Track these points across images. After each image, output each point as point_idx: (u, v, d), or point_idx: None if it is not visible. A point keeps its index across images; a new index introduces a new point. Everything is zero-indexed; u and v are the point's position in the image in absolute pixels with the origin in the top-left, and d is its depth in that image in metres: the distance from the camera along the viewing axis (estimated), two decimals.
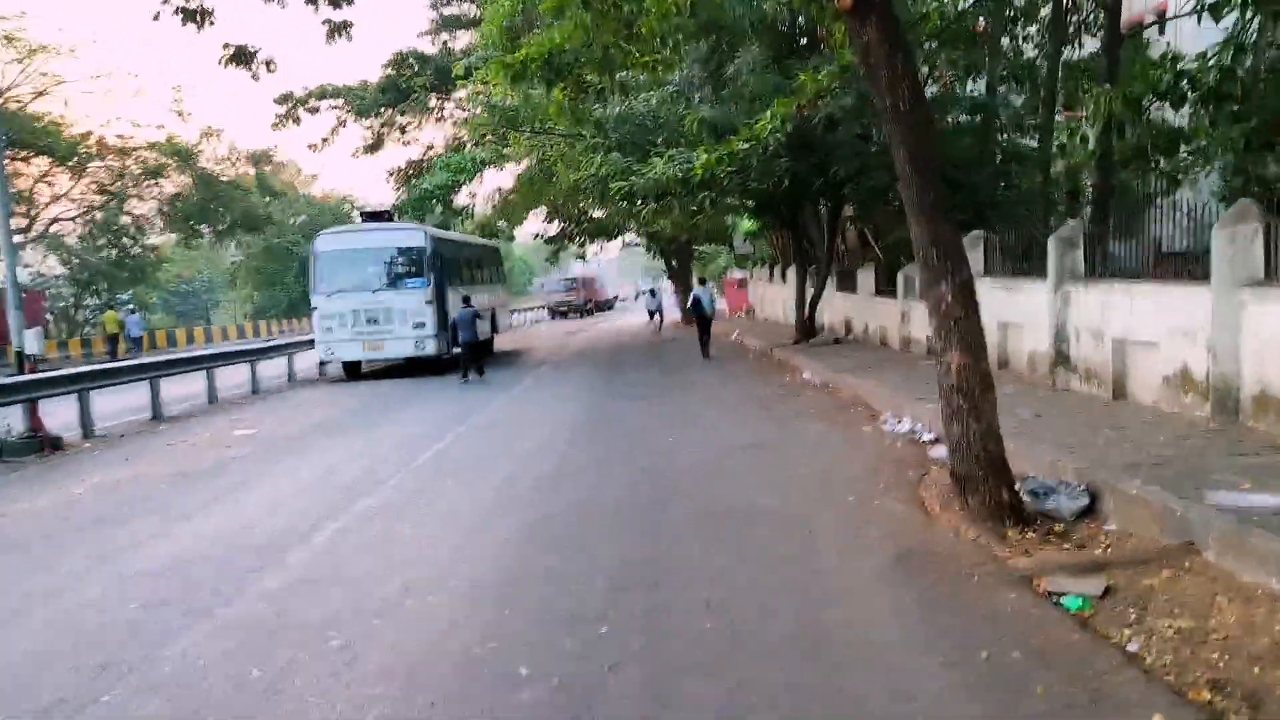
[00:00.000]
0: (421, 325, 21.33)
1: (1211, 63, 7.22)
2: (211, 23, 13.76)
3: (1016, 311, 12.49)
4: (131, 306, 41.99)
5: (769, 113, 12.53)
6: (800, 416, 12.08)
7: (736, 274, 49.23)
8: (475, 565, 6.42)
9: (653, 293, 37.21)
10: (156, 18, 12.86)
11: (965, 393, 6.36)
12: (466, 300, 20.96)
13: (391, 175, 37.97)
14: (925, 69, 14.33)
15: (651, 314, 33.09)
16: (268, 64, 14.21)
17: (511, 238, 49.71)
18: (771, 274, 33.84)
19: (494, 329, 27.90)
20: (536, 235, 46.42)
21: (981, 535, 6.15)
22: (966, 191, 18.77)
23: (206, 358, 18.59)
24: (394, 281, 21.49)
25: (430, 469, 10.08)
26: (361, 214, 23.68)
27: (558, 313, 55.23)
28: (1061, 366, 11.24)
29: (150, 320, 48.85)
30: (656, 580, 5.90)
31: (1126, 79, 8.49)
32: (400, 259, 21.71)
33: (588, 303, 57.46)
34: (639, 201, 16.38)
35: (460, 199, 37.85)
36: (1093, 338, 10.52)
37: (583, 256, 53.31)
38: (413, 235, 21.98)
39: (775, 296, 32.84)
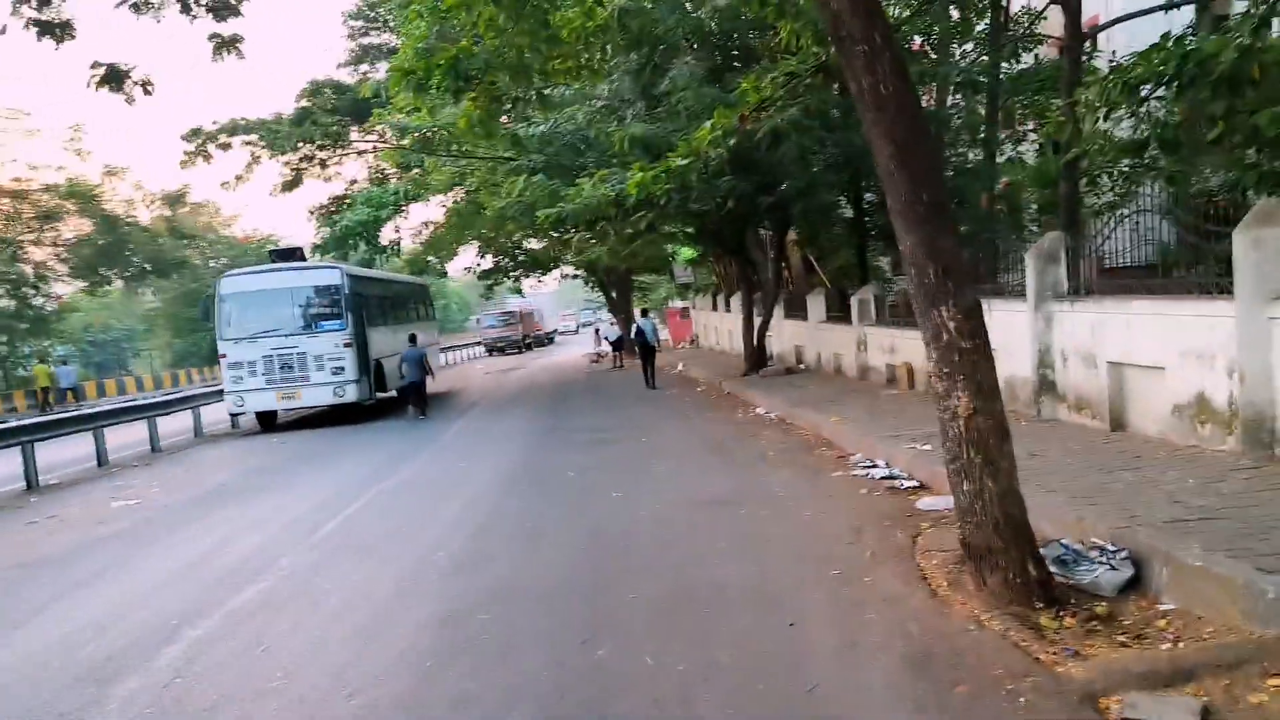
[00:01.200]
0: (340, 370, 19.69)
1: (1235, 41, 6.15)
2: (72, 36, 12.15)
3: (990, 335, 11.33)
4: (64, 358, 39.75)
5: (709, 124, 11.30)
6: (762, 461, 10.71)
7: (678, 303, 48.18)
8: (357, 693, 4.89)
9: (596, 330, 35.17)
10: (3, 31, 11.22)
11: (978, 444, 5.05)
12: (413, 339, 21.23)
13: (313, 213, 36.24)
14: None
15: (614, 346, 30.88)
16: (144, 85, 12.60)
17: (443, 274, 48.01)
18: (715, 302, 32.73)
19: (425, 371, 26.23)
20: (468, 269, 44.84)
21: (1011, 627, 4.81)
22: None
23: (91, 416, 16.62)
24: (308, 324, 19.83)
25: (332, 544, 8.48)
26: (270, 253, 21.95)
27: (495, 349, 53.42)
28: (1047, 395, 10.09)
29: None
30: (595, 707, 4.46)
31: (1119, 70, 7.44)
32: (314, 300, 20.07)
33: (526, 337, 55.73)
34: (570, 229, 15.03)
35: (387, 235, 36.30)
36: (1083, 362, 9.38)
37: (518, 290, 51.76)
38: (327, 274, 20.37)
39: (719, 325, 31.72)
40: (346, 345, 19.77)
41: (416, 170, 29.51)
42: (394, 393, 24.39)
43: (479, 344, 55.44)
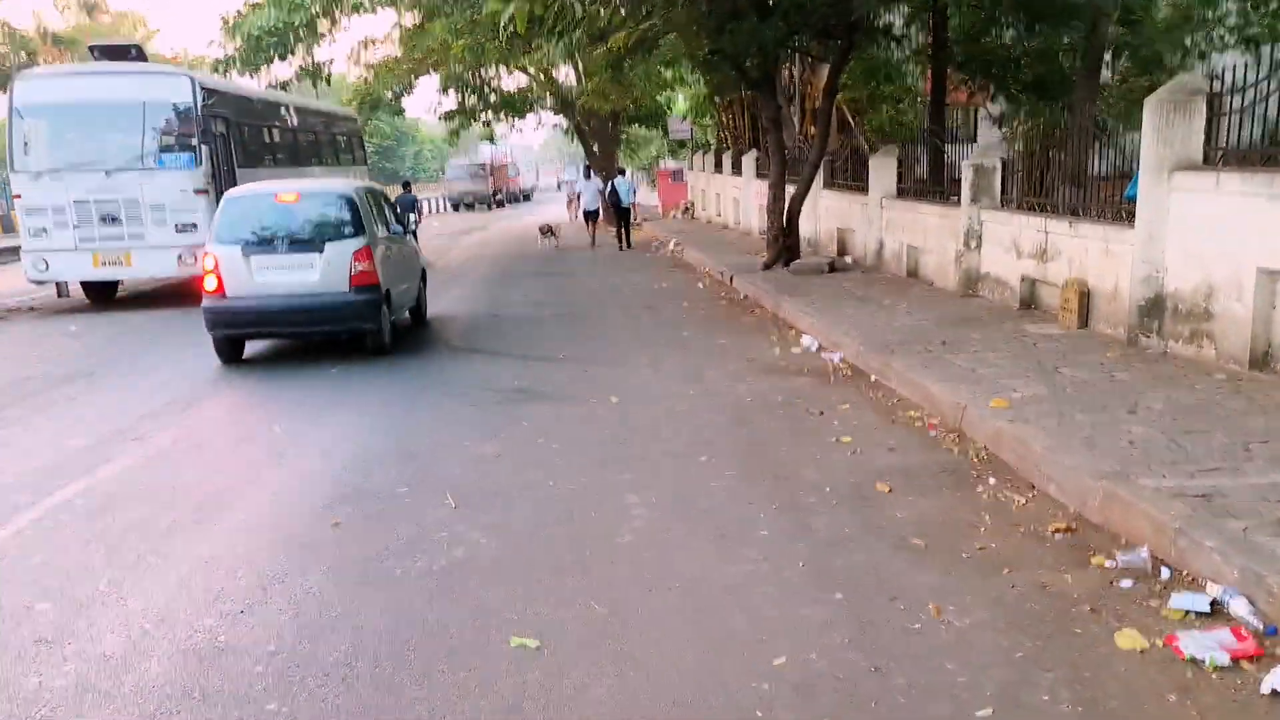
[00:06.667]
0: (189, 228, 13.53)
1: None
2: None
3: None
4: None
5: None
6: (878, 523, 4.78)
7: (670, 164, 41.43)
8: None
9: (588, 174, 26.02)
10: None
11: None
12: (407, 185, 19.63)
13: (225, 22, 29.00)
14: None
15: (589, 217, 22.57)
16: None
17: (399, 111, 40.93)
18: (719, 163, 26.24)
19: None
20: (430, 110, 37.86)
21: None
22: None
23: None
24: (144, 158, 13.57)
25: None
26: (92, 49, 15.24)
27: (461, 204, 46.80)
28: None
29: None
30: None
31: None
32: (154, 122, 13.75)
33: (497, 193, 48.98)
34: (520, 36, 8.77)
35: (320, 55, 29.37)
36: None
37: (490, 138, 44.81)
38: (170, 83, 13.94)
39: (724, 191, 25.37)
40: (199, 192, 13.60)
41: None
42: None
43: (443, 197, 48.75)
